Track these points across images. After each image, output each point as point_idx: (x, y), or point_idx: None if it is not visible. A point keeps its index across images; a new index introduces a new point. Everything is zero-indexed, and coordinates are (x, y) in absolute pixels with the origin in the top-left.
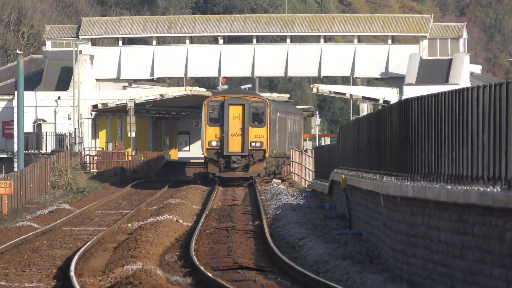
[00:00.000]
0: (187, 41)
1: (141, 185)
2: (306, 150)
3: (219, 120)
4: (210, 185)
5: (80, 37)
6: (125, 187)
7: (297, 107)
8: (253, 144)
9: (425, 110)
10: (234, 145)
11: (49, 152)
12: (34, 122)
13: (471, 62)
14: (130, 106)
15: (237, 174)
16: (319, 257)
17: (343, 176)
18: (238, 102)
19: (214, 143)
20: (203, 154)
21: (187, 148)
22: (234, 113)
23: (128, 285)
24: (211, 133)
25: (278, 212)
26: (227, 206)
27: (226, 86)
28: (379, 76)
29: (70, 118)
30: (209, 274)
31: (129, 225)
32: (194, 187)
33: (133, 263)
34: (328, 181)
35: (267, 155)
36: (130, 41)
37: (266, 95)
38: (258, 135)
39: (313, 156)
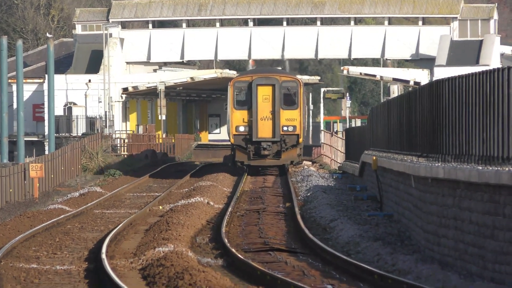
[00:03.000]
0: (217, 24)
1: (172, 167)
2: (336, 132)
3: (247, 102)
4: (239, 171)
5: (110, 20)
6: (156, 170)
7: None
8: (285, 128)
9: (455, 91)
10: (264, 130)
11: (80, 135)
12: (65, 105)
13: (501, 43)
14: (160, 89)
15: (268, 162)
16: (350, 238)
17: (374, 158)
18: (267, 82)
19: (241, 129)
20: (230, 140)
21: (217, 131)
22: (263, 94)
23: (160, 267)
24: (238, 118)
25: (309, 194)
26: (258, 188)
27: None
28: (410, 58)
29: (101, 101)
30: (240, 255)
31: (160, 207)
32: (225, 169)
33: (164, 245)
34: (359, 162)
35: (300, 140)
36: (160, 24)
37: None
38: (291, 118)
39: (344, 138)
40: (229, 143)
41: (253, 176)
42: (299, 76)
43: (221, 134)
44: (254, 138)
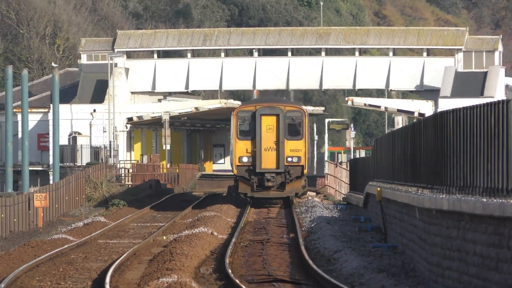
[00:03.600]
0: (222, 54)
1: (176, 197)
2: (341, 163)
3: (251, 132)
4: (243, 202)
5: (116, 50)
6: (160, 200)
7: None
8: (289, 159)
9: (460, 122)
10: (268, 161)
11: (84, 164)
12: (70, 135)
13: (506, 75)
14: (165, 119)
15: (272, 193)
16: (354, 270)
17: (378, 189)
18: (271, 112)
19: (245, 159)
20: (232, 171)
21: (222, 161)
22: (267, 124)
23: None
24: (241, 148)
25: (313, 225)
26: (262, 219)
27: None
28: (414, 89)
29: (105, 131)
30: (244, 287)
31: (164, 237)
32: (229, 200)
33: (168, 276)
34: (363, 193)
35: (305, 171)
36: (165, 54)
37: None
38: (295, 149)
39: (348, 168)
40: (233, 173)
41: (257, 207)
42: (303, 106)
43: (225, 164)
44: (258, 169)
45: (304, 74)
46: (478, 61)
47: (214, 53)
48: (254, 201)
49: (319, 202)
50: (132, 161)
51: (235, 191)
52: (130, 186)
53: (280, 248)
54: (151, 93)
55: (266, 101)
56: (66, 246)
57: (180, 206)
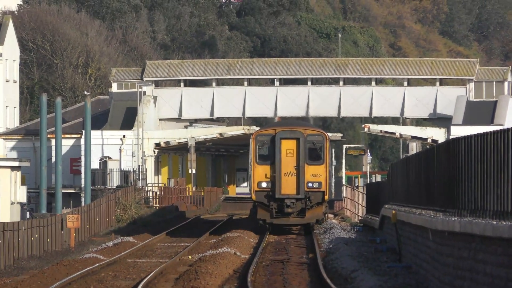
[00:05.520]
0: (245, 83)
1: (201, 219)
2: (357, 187)
3: (270, 157)
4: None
5: (144, 79)
6: (186, 221)
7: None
8: (310, 184)
9: (471, 149)
10: (288, 187)
11: (114, 187)
12: (100, 159)
13: None
14: (191, 144)
15: (292, 220)
16: None
17: (393, 212)
18: (291, 135)
19: (264, 184)
20: (251, 197)
21: (244, 184)
22: (287, 148)
23: None
24: (260, 173)
25: (331, 246)
26: (282, 240)
27: None
28: (428, 117)
29: (134, 156)
30: None
31: (190, 257)
32: (251, 221)
33: None
34: (379, 216)
35: (326, 197)
36: (191, 83)
37: None
38: (316, 174)
39: (365, 192)
40: (251, 198)
41: (278, 228)
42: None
43: (248, 188)
44: (277, 194)
45: (323, 102)
46: (488, 91)
47: (238, 82)
48: (273, 227)
49: (337, 224)
50: (160, 184)
51: (254, 216)
52: (157, 208)
53: (299, 268)
54: (178, 119)
55: (286, 125)
56: (96, 265)
57: (205, 227)
